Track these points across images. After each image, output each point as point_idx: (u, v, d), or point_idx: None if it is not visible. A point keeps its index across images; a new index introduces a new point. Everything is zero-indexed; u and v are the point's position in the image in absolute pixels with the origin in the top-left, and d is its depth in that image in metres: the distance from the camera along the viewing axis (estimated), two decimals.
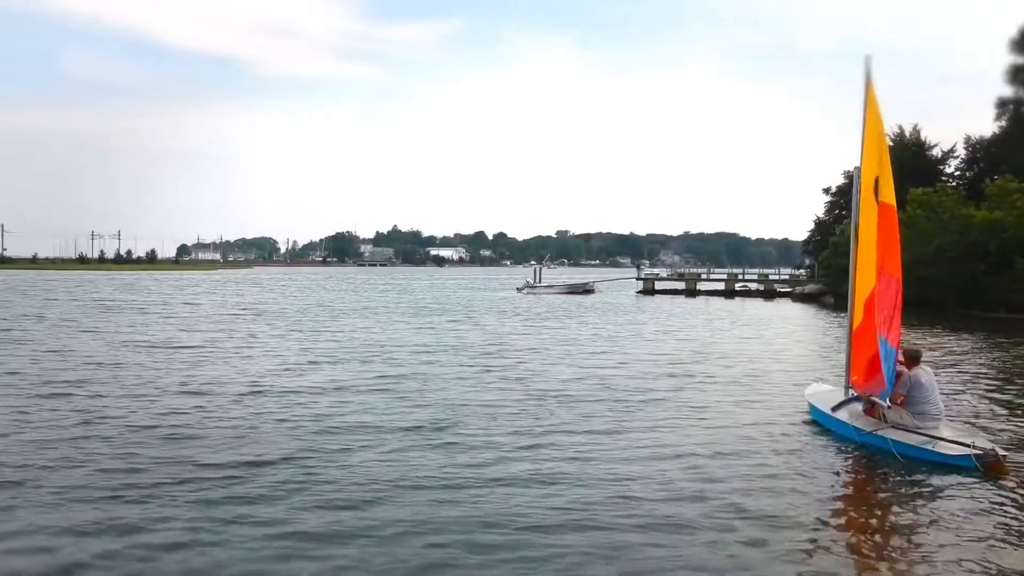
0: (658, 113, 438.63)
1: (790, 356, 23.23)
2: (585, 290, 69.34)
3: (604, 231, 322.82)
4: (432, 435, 11.81)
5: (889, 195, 11.56)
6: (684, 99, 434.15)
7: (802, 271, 75.65)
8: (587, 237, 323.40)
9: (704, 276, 76.27)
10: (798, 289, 60.86)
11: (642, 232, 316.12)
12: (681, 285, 68.51)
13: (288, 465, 10.01)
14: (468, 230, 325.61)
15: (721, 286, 67.79)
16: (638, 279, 70.90)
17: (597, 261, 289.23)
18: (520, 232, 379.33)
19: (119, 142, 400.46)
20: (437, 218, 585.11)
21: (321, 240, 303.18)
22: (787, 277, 73.10)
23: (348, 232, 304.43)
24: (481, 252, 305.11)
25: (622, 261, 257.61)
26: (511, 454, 10.72)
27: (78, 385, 15.97)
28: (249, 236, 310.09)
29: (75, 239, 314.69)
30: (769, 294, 64.24)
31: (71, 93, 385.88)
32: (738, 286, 68.03)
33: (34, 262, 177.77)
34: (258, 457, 10.37)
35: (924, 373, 11.49)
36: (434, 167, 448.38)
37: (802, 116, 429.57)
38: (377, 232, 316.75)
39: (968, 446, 10.13)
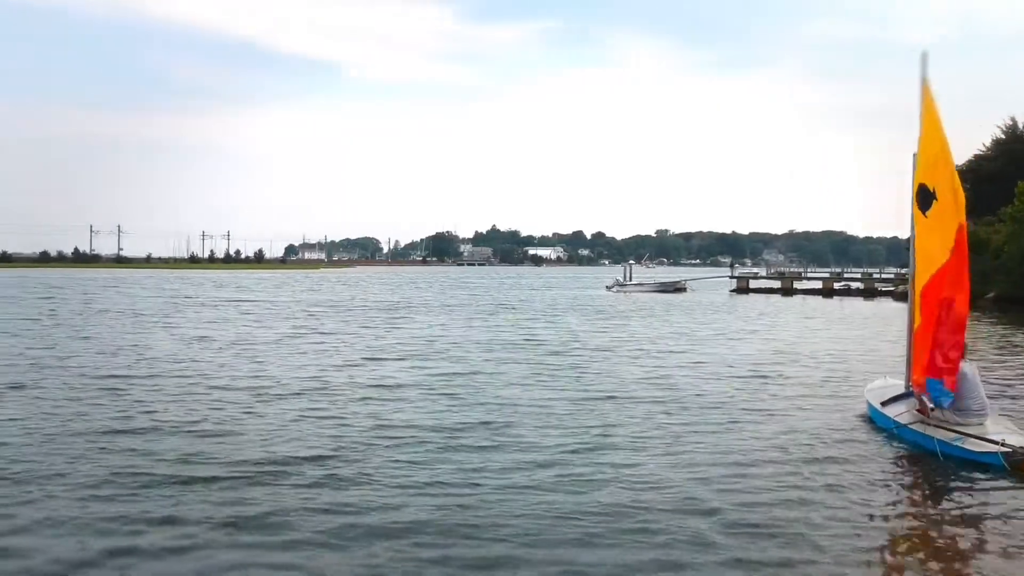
0: (760, 110, 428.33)
1: (879, 356, 21.73)
2: (676, 288, 67.83)
3: (705, 230, 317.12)
4: (478, 434, 11.28)
5: (946, 208, 10.47)
6: (785, 96, 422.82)
7: (907, 270, 71.98)
8: (687, 236, 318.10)
9: (805, 275, 73.57)
10: (900, 288, 57.90)
11: (744, 231, 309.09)
12: (777, 284, 66.26)
13: (314, 466, 9.54)
14: (566, 229, 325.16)
15: (819, 285, 65.19)
16: (731, 277, 69.02)
17: (697, 261, 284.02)
18: (619, 231, 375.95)
19: (228, 145, 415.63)
20: (536, 218, 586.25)
21: (422, 240, 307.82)
22: (892, 276, 69.86)
23: (448, 232, 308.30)
24: (579, 251, 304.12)
25: (723, 261, 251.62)
26: (555, 457, 10.01)
27: (128, 379, 16.14)
28: (353, 236, 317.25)
29: (187, 239, 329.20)
30: (869, 293, 61.21)
31: (183, 99, 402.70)
32: (838, 285, 65.31)
33: (148, 261, 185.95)
34: (290, 455, 10.01)
35: (968, 368, 10.90)
36: (533, 167, 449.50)
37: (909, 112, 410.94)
38: (476, 232, 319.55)
39: (997, 444, 9.60)
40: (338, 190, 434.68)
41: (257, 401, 13.74)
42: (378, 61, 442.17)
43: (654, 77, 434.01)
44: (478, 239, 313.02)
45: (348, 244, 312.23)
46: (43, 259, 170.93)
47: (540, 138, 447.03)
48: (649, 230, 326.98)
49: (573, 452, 10.30)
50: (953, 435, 10.20)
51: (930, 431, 10.48)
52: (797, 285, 65.64)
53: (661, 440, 11.04)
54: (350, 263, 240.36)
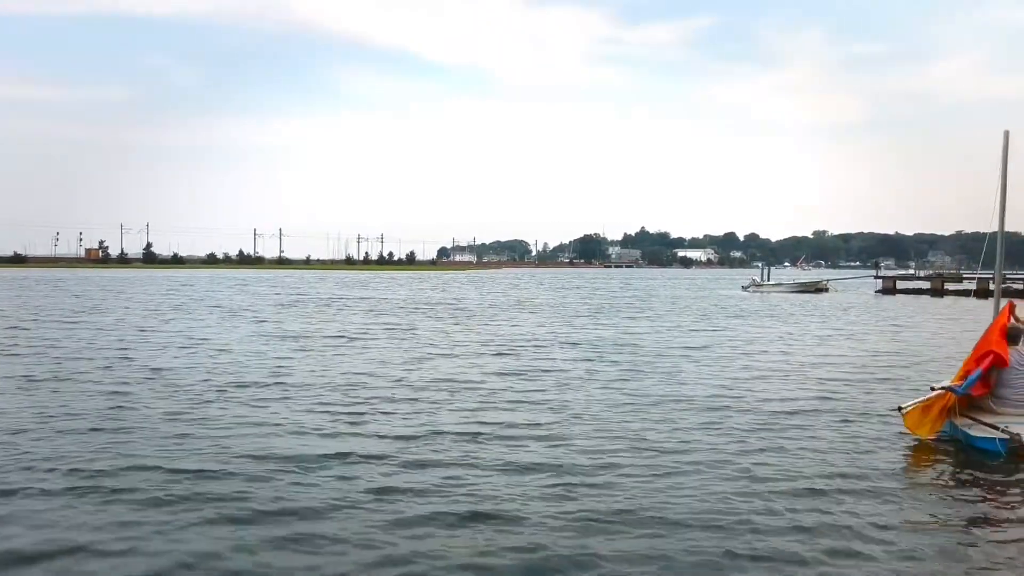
0: (925, 104, 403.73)
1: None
2: (817, 289, 64.63)
3: (866, 231, 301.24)
4: (526, 437, 10.44)
5: None
6: (950, 91, 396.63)
7: None
8: (846, 237, 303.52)
9: (962, 275, 68.43)
10: None
11: (909, 232, 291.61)
12: (926, 284, 61.87)
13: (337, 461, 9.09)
14: (718, 231, 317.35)
15: (974, 286, 60.29)
16: (876, 277, 65.02)
17: (857, 263, 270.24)
18: (773, 233, 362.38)
19: (384, 150, 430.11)
20: (686, 220, 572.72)
21: (570, 242, 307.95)
22: None
23: (596, 234, 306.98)
24: (731, 253, 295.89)
25: (885, 262, 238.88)
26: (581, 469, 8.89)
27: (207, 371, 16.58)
28: (503, 239, 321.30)
29: (345, 242, 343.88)
30: None
31: (341, 105, 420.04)
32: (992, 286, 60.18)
33: (307, 263, 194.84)
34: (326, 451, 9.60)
35: (1018, 355, 10.36)
36: (683, 168, 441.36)
37: None
38: (625, 234, 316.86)
39: (999, 430, 9.53)
40: (489, 193, 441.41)
41: (286, 399, 13.67)
42: (527, 65, 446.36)
43: (808, 71, 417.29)
44: (627, 241, 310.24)
45: (498, 246, 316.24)
46: (211, 260, 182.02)
47: (690, 138, 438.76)
48: (806, 231, 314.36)
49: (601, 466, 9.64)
50: (967, 421, 10.10)
51: (954, 418, 10.26)
52: (950, 286, 61.01)
53: (698, 452, 10.22)
54: (498, 265, 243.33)
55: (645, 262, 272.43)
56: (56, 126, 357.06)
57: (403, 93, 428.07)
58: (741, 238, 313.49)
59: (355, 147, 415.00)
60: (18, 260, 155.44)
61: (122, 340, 21.50)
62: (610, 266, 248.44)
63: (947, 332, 27.72)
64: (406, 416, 11.45)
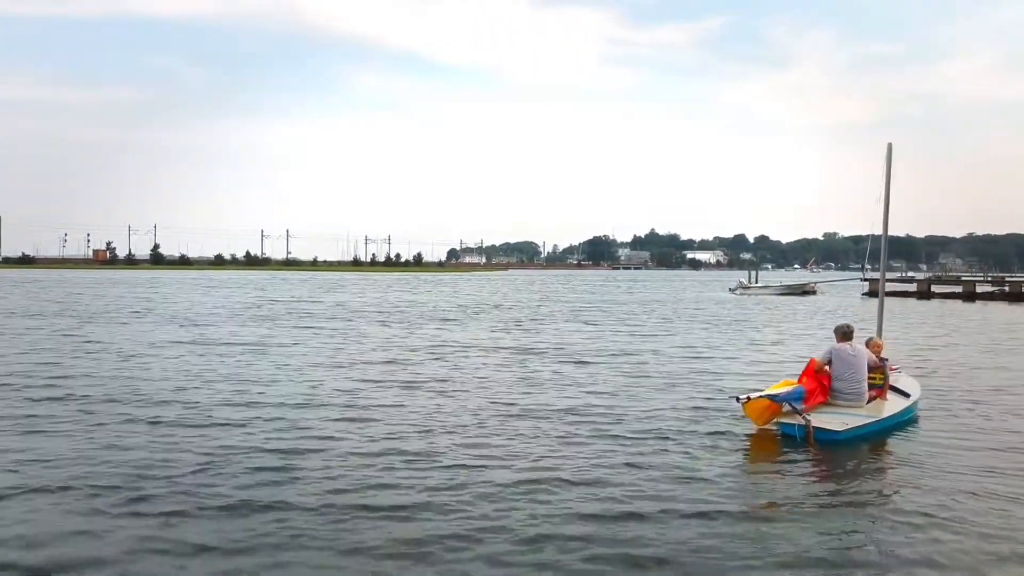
0: (934, 105, 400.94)
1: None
2: (804, 291, 64.39)
3: (877, 232, 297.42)
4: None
5: None
6: (961, 92, 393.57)
7: None
8: (857, 239, 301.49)
9: (945, 277, 68.01)
10: None
11: (919, 234, 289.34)
12: (912, 287, 61.45)
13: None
14: (728, 233, 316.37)
15: (959, 289, 59.91)
16: (863, 280, 64.54)
17: (868, 265, 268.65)
18: (783, 235, 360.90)
19: (389, 151, 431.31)
20: (696, 221, 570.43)
21: (579, 244, 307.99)
22: None
23: (605, 236, 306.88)
24: (741, 255, 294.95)
25: (895, 265, 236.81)
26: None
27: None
28: (513, 240, 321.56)
29: (354, 243, 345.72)
30: (1016, 296, 55.60)
31: (358, 108, 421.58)
32: (986, 288, 59.80)
33: (314, 264, 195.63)
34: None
35: (848, 350, 11.63)
36: (694, 169, 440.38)
37: None
38: (634, 236, 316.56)
39: (799, 416, 10.63)
40: (499, 194, 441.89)
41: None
42: (536, 65, 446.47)
43: (816, 72, 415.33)
44: (636, 243, 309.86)
45: (507, 248, 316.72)
46: (218, 261, 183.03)
47: (701, 140, 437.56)
48: (816, 233, 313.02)
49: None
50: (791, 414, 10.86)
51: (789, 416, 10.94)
52: (936, 289, 60.60)
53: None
54: (507, 266, 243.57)
55: (654, 264, 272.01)
56: (65, 127, 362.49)
57: (411, 94, 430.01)
58: (751, 240, 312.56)
59: (363, 148, 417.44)
60: (26, 261, 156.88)
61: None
62: (618, 267, 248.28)
63: (903, 336, 27.43)
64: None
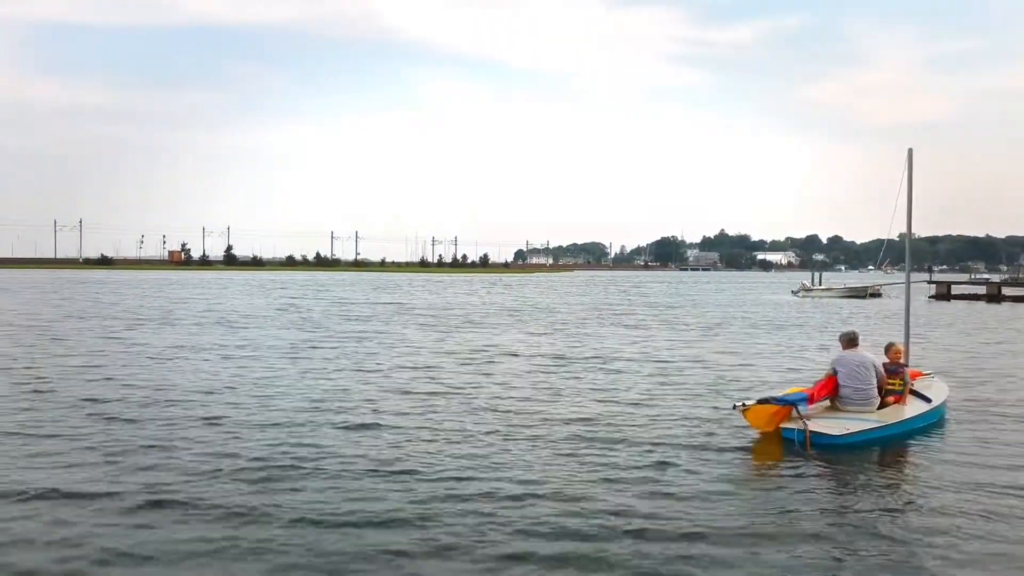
0: (1018, 102, 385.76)
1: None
2: (870, 294, 62.56)
3: (954, 233, 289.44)
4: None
5: None
6: None
7: None
8: (933, 240, 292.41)
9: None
10: None
11: (1000, 234, 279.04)
12: (983, 290, 59.08)
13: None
14: (800, 233, 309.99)
15: None
16: (929, 283, 62.54)
17: (944, 266, 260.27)
18: (857, 235, 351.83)
19: (460, 153, 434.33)
20: (767, 222, 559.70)
21: (647, 245, 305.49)
22: None
23: (674, 237, 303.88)
24: (813, 256, 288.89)
25: (974, 266, 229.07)
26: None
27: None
28: (580, 241, 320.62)
29: (422, 244, 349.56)
30: None
31: (421, 108, 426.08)
32: None
33: (383, 265, 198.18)
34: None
35: (852, 357, 11.69)
36: (766, 169, 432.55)
37: None
38: (704, 236, 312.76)
39: (803, 421, 10.58)
40: (567, 195, 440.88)
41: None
42: (605, 66, 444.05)
43: (895, 72, 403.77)
44: (705, 244, 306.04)
45: (575, 249, 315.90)
46: (290, 262, 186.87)
47: (773, 140, 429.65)
48: (892, 233, 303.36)
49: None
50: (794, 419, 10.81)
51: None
52: (1008, 292, 58.11)
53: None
54: (573, 267, 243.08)
55: (723, 265, 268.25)
56: (140, 132, 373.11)
57: (481, 96, 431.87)
58: (824, 240, 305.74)
59: (433, 150, 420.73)
60: (105, 262, 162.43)
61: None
62: (686, 269, 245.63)
63: (957, 342, 26.47)
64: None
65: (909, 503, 8.38)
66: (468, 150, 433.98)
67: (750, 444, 10.75)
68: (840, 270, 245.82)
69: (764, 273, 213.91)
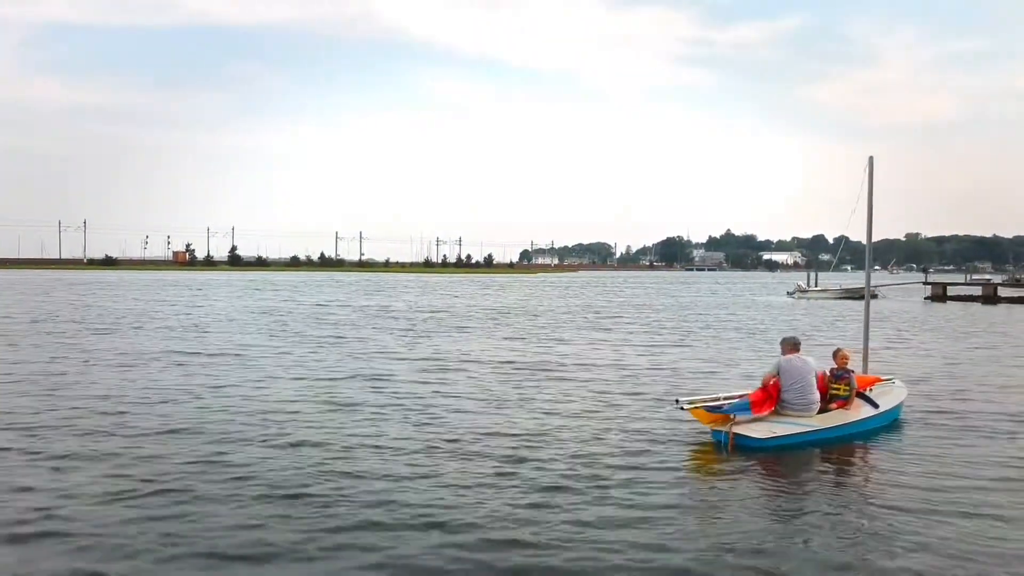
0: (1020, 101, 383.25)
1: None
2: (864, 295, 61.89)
3: (961, 233, 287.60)
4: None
5: None
6: None
7: None
8: (940, 240, 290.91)
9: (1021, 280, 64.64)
10: None
11: (1007, 234, 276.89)
12: (978, 291, 58.40)
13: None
14: (806, 233, 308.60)
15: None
16: (925, 284, 61.94)
17: (951, 266, 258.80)
18: (864, 235, 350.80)
19: (464, 153, 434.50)
20: (773, 222, 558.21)
21: (653, 245, 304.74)
22: None
23: (679, 237, 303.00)
24: (820, 256, 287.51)
25: (981, 266, 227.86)
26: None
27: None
28: (586, 241, 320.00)
29: (427, 244, 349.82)
30: None
31: (425, 109, 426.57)
32: None
33: (386, 266, 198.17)
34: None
35: (794, 362, 11.69)
36: (772, 169, 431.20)
37: None
38: (709, 236, 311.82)
39: (730, 423, 10.91)
40: (572, 195, 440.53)
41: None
42: (611, 67, 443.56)
43: (898, 71, 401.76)
44: (711, 244, 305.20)
45: (580, 249, 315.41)
46: (294, 263, 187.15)
47: (778, 140, 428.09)
48: (898, 233, 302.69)
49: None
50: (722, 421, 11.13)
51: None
52: (1004, 293, 57.49)
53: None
54: (578, 267, 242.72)
55: (729, 265, 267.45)
56: (141, 132, 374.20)
57: (485, 96, 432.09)
58: (830, 240, 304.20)
59: (437, 150, 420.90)
60: (109, 263, 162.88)
61: None
62: (691, 269, 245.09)
63: (940, 347, 25.97)
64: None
65: (826, 507, 8.59)
66: (472, 150, 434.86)
67: (686, 462, 10.45)
68: (847, 270, 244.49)
69: (769, 273, 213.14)
